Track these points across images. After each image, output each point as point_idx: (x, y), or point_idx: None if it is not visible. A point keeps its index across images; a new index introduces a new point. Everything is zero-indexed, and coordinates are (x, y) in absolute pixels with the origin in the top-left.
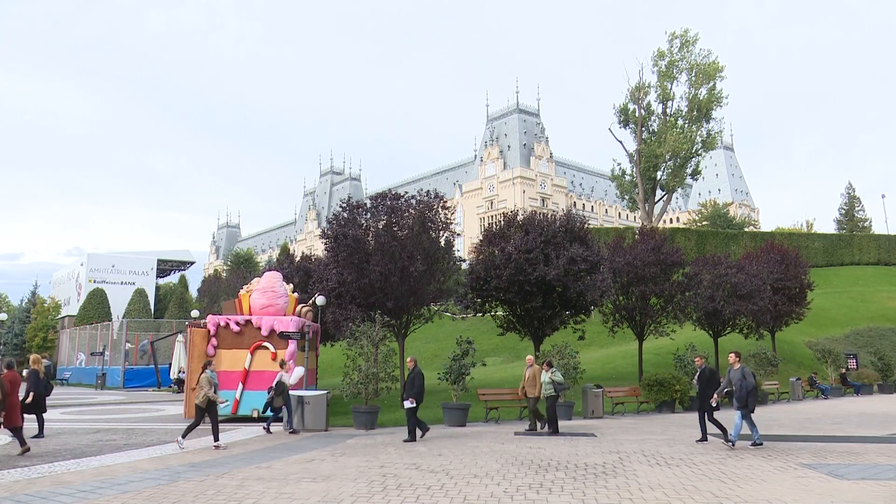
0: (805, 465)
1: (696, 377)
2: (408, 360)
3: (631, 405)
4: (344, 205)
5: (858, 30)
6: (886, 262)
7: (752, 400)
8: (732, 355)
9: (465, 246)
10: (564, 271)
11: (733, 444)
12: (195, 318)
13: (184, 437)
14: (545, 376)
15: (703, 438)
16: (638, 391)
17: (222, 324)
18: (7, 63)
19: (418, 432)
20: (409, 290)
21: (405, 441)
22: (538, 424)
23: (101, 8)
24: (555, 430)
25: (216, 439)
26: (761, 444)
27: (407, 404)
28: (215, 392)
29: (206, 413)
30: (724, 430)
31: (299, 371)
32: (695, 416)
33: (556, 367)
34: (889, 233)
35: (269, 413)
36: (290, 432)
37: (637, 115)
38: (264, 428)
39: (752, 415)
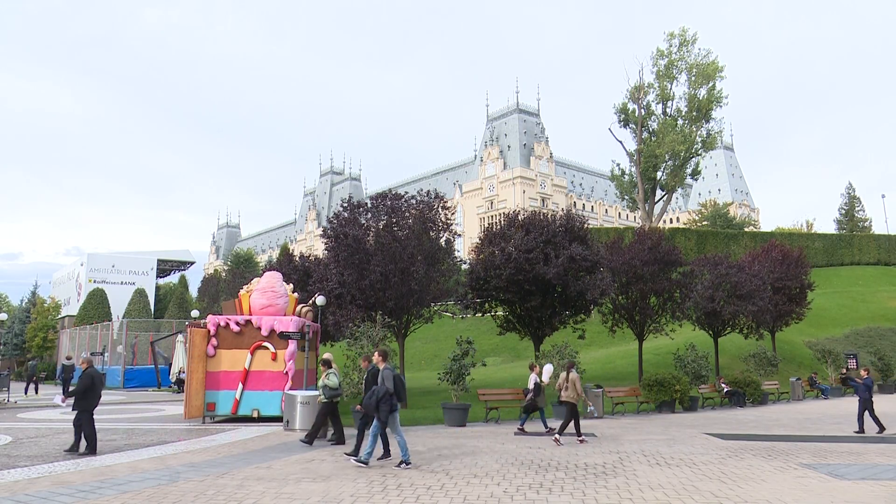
0: (805, 465)
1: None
2: (374, 355)
3: (631, 405)
4: (345, 204)
5: (858, 29)
6: (886, 262)
7: (383, 409)
8: (376, 355)
9: (465, 246)
10: (564, 270)
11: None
12: (195, 318)
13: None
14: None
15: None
16: (638, 391)
17: (222, 324)
18: (6, 63)
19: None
20: (410, 290)
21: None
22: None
23: (97, 5)
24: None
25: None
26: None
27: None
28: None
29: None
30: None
31: (549, 368)
32: (695, 415)
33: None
34: (889, 233)
35: (525, 415)
36: (546, 432)
37: (637, 115)
38: (556, 441)
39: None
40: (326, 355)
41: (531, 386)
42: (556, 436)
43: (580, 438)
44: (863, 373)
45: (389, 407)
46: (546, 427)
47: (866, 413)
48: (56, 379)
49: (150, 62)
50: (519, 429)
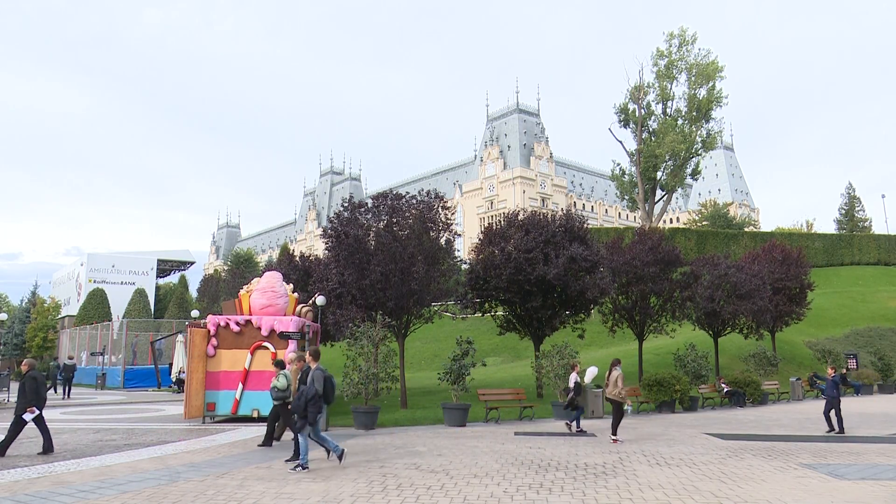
0: (805, 465)
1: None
2: (306, 355)
3: (632, 405)
4: (346, 204)
5: (858, 29)
6: (886, 262)
7: (311, 411)
8: (307, 355)
9: (465, 246)
10: (564, 270)
11: None
12: (195, 318)
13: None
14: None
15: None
16: (638, 391)
17: (222, 324)
18: (5, 62)
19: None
20: (410, 290)
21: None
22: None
23: (97, 5)
24: (268, 441)
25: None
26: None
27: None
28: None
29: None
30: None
31: (593, 371)
32: (695, 415)
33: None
34: (889, 233)
35: (573, 412)
36: (577, 432)
37: (637, 115)
38: (567, 425)
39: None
40: (286, 355)
41: (571, 385)
42: (613, 437)
43: (615, 439)
44: (830, 371)
45: (318, 409)
46: (578, 427)
47: (833, 410)
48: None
49: (150, 62)
50: (577, 429)
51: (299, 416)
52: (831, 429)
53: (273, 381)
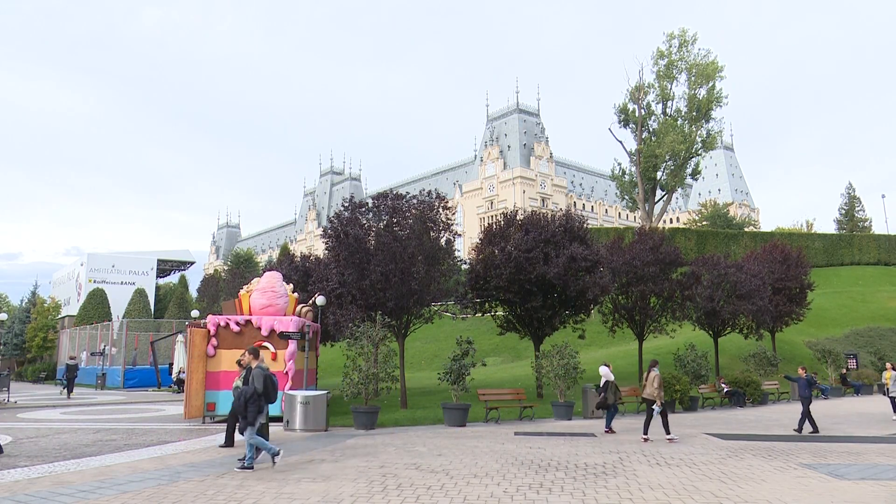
0: (805, 465)
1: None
2: (244, 354)
3: (631, 405)
4: (346, 204)
5: (858, 28)
6: (886, 262)
7: (251, 410)
8: (247, 353)
9: (465, 246)
10: (565, 269)
11: None
12: (195, 318)
13: None
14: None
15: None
16: (638, 391)
17: (222, 324)
18: (5, 62)
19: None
20: (410, 290)
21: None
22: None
23: (96, 5)
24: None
25: None
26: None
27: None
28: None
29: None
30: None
31: (605, 370)
32: (695, 415)
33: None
34: (889, 233)
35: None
36: (605, 431)
37: (637, 115)
38: (606, 429)
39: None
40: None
41: (602, 384)
42: (669, 437)
43: (645, 437)
44: (801, 371)
45: (257, 408)
46: (608, 426)
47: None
48: (57, 379)
49: (150, 62)
50: (606, 429)
51: (240, 417)
52: (806, 429)
53: (235, 380)
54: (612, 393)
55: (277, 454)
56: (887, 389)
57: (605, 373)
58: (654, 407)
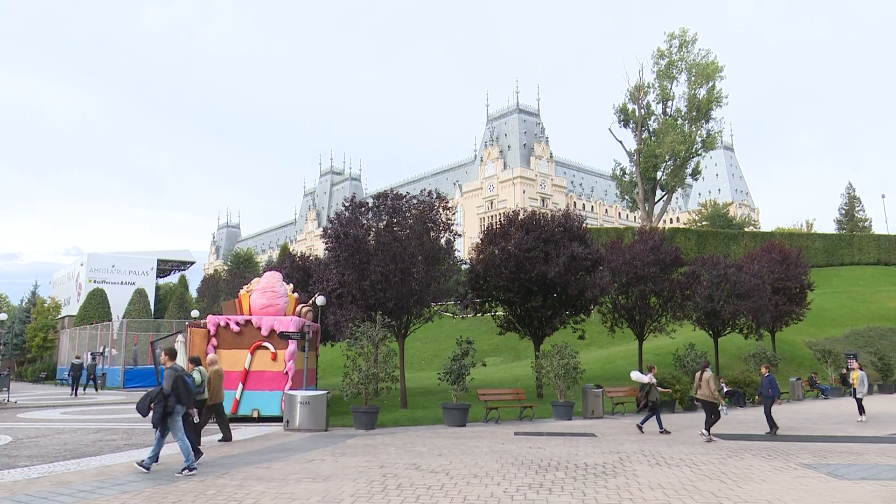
0: (805, 465)
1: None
2: (162, 355)
3: (631, 405)
4: (347, 204)
5: (858, 28)
6: (886, 262)
7: (156, 411)
8: (163, 354)
9: (465, 246)
10: (565, 269)
11: None
12: (195, 318)
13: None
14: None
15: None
16: (637, 391)
17: (222, 324)
18: (5, 62)
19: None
20: (410, 290)
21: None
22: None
23: (96, 5)
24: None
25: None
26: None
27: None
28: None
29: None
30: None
31: (637, 375)
32: (695, 415)
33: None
34: (889, 233)
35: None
36: (660, 432)
37: (637, 115)
38: (662, 432)
39: None
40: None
41: (644, 386)
42: (709, 437)
43: (708, 438)
44: (763, 370)
45: (163, 409)
46: (640, 425)
47: (765, 409)
48: (57, 379)
49: (150, 62)
50: (661, 430)
51: (152, 419)
52: (772, 430)
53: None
54: (654, 393)
55: (190, 468)
56: (854, 390)
57: (639, 377)
58: (721, 408)
